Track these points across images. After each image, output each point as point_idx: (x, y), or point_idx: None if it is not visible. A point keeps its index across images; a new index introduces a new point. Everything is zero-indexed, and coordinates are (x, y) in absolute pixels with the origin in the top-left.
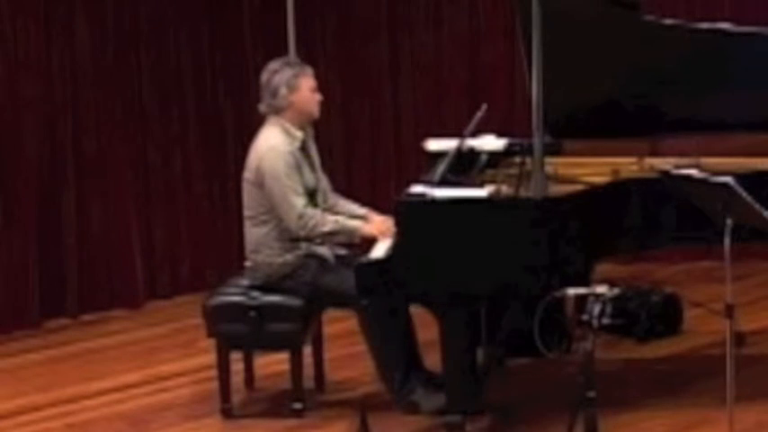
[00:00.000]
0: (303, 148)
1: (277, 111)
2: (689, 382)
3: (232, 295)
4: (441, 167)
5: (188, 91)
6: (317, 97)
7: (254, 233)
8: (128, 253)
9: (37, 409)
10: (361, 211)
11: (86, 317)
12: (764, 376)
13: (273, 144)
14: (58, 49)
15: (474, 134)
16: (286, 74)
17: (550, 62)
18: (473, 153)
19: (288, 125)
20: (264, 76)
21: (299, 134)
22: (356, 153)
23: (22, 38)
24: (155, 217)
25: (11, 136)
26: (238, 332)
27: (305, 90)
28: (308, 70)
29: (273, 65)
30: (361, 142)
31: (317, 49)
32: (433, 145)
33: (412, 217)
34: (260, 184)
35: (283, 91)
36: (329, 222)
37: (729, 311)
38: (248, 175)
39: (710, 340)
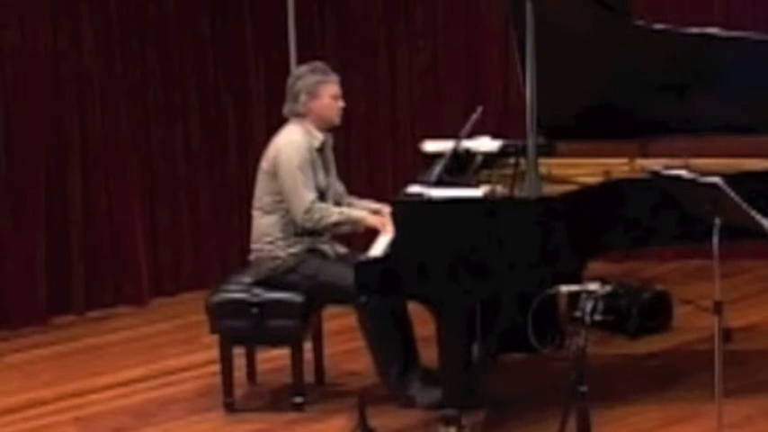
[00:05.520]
0: (321, 150)
1: (297, 115)
2: (678, 377)
3: (234, 292)
4: (437, 168)
5: (191, 91)
6: (339, 104)
7: (260, 223)
8: (133, 251)
9: (44, 403)
10: (376, 206)
11: (92, 314)
12: (752, 371)
13: (293, 139)
14: (64, 51)
15: (470, 136)
16: (308, 80)
17: (544, 66)
18: (469, 154)
19: (310, 127)
20: (289, 81)
21: (319, 136)
22: (354, 153)
23: (30, 39)
24: (159, 216)
25: (19, 136)
26: (240, 328)
27: (325, 97)
28: (333, 77)
29: (299, 70)
30: (360, 143)
31: (316, 49)
32: (430, 146)
33: (409, 216)
34: (274, 173)
35: (303, 97)
36: (334, 213)
37: (718, 308)
38: (264, 164)
39: (699, 336)
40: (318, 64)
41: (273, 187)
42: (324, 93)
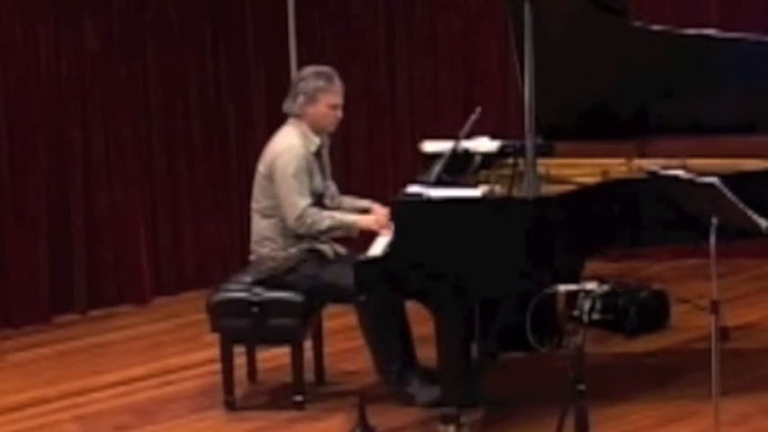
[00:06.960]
0: (318, 154)
1: (294, 115)
2: (676, 375)
3: (235, 291)
4: (436, 168)
5: (192, 91)
6: (337, 114)
7: (260, 225)
8: (134, 251)
9: (46, 401)
10: (365, 203)
11: (94, 313)
12: (748, 369)
13: (291, 144)
14: (66, 53)
15: (468, 136)
16: (310, 84)
17: (542, 67)
18: (468, 154)
19: (306, 129)
20: (294, 78)
21: (316, 139)
22: (354, 154)
23: (32, 43)
24: (160, 216)
25: (22, 137)
26: (241, 327)
27: (322, 105)
28: (336, 87)
29: (306, 71)
30: (359, 143)
31: (316, 50)
32: (429, 146)
33: (408, 216)
34: (271, 178)
35: (301, 99)
36: (326, 219)
37: (715, 307)
38: (262, 168)
39: (696, 335)
40: (326, 69)
41: (270, 191)
42: (322, 100)
